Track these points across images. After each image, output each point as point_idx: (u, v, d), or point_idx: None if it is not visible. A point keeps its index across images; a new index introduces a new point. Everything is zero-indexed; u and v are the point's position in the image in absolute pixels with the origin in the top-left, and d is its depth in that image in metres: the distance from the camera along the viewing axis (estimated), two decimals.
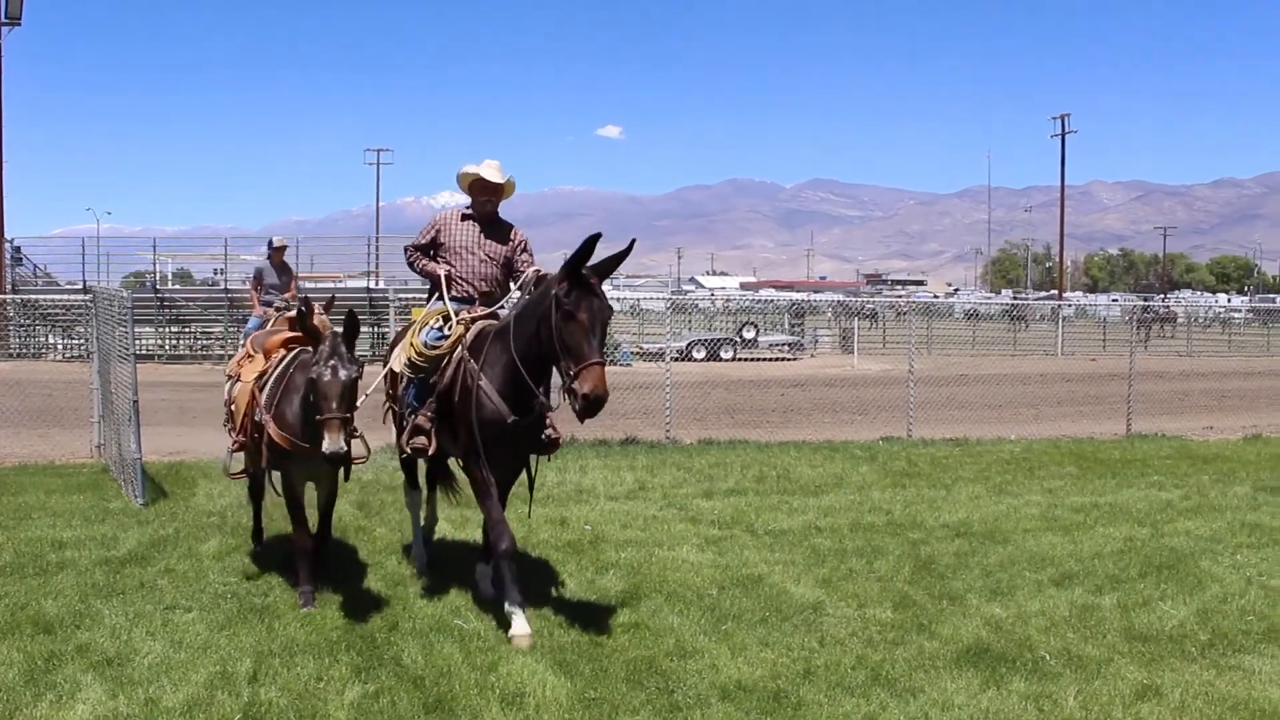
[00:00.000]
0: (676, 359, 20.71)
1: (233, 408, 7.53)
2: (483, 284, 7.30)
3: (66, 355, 30.57)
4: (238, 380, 7.52)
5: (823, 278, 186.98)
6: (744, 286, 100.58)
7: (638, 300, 36.12)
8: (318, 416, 6.16)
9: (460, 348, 6.67)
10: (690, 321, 37.67)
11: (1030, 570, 7.86)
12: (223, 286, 33.94)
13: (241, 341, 9.18)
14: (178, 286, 39.57)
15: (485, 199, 7.38)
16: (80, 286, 29.95)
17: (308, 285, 35.10)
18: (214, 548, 8.03)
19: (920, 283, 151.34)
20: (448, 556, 7.99)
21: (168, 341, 33.45)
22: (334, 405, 6.11)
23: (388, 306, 15.41)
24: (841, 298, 42.72)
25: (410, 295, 21.33)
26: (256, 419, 6.88)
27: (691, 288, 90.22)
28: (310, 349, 6.58)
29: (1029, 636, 6.35)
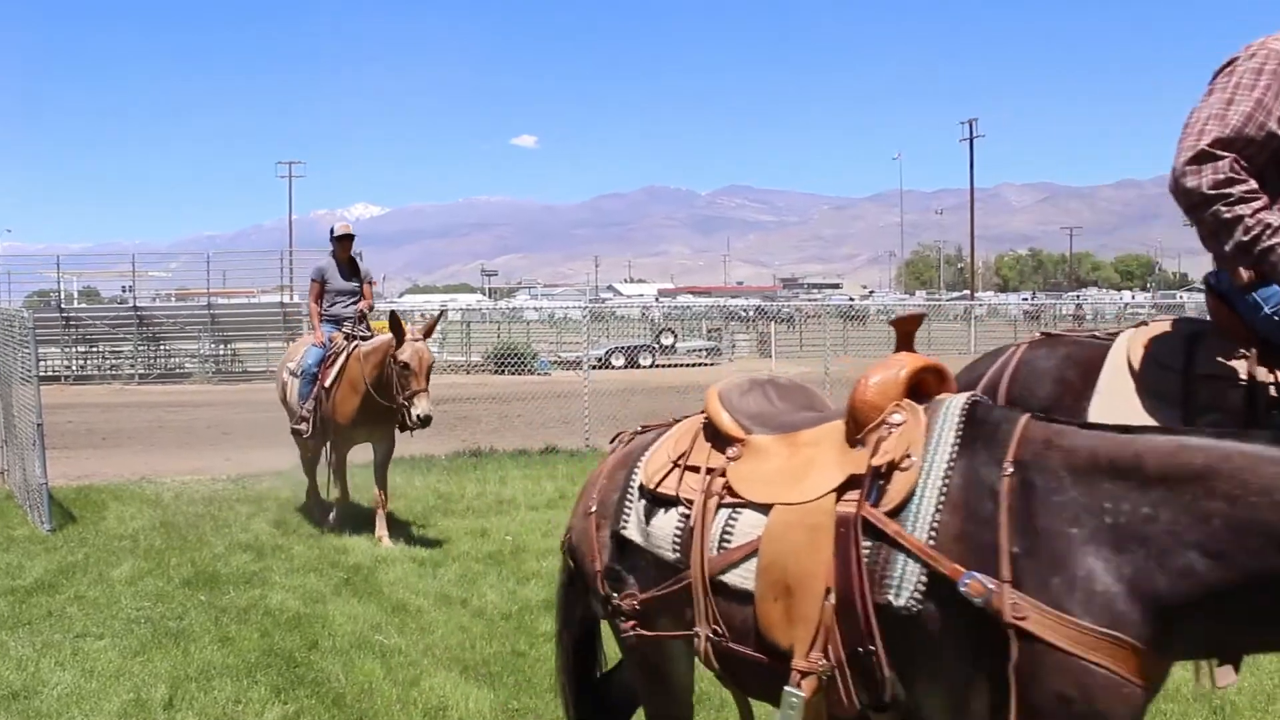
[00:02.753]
0: (595, 367, 20.71)
1: None
2: None
3: None
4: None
5: (740, 283, 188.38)
6: (662, 293, 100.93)
7: (555, 309, 36.08)
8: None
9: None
10: (608, 330, 37.73)
11: None
12: (131, 304, 33.21)
13: (298, 379, 9.62)
14: (84, 305, 38.63)
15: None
16: None
17: (221, 302, 34.62)
18: (126, 572, 7.84)
19: (836, 286, 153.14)
20: (369, 571, 7.90)
21: (75, 362, 32.65)
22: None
23: (301, 322, 14.89)
24: (759, 302, 42.99)
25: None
26: None
27: (609, 295, 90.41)
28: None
29: None
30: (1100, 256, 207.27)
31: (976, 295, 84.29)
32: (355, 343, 9.29)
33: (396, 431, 9.21)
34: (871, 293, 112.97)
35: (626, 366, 29.73)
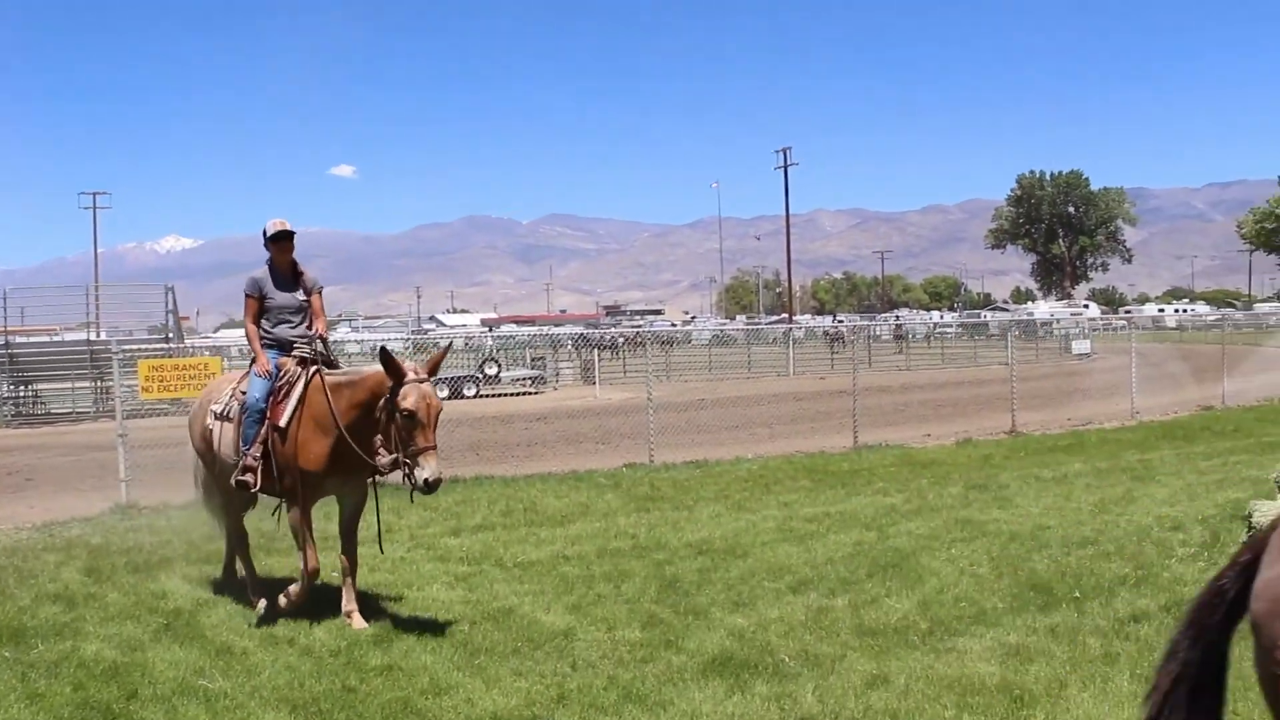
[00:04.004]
0: None
1: None
2: None
3: None
4: None
5: (563, 310, 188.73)
6: (485, 322, 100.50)
7: (377, 342, 35.50)
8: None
9: None
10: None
11: (769, 580, 8.28)
12: None
13: (233, 421, 7.86)
14: None
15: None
16: None
17: (20, 340, 32.87)
18: None
19: (658, 312, 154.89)
20: (190, 615, 7.69)
21: None
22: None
23: (110, 359, 14.23)
24: (582, 330, 43.26)
25: (137, 346, 20.21)
26: None
27: (432, 326, 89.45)
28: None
29: (769, 642, 6.71)
30: (910, 279, 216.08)
31: (794, 318, 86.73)
32: (315, 369, 7.67)
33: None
34: (693, 318, 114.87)
35: (451, 397, 29.48)
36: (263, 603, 7.59)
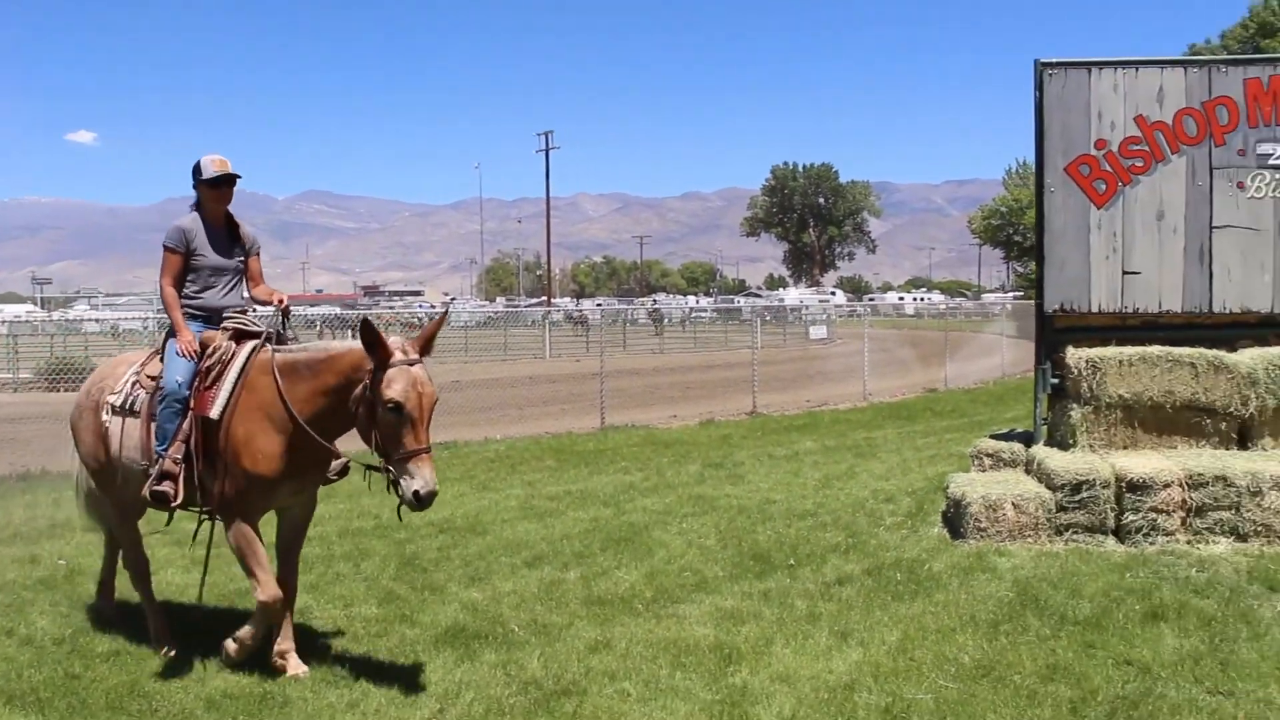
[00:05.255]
0: None
1: None
2: None
3: None
4: None
5: (319, 290, 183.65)
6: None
7: (119, 321, 33.82)
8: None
9: None
10: None
11: (506, 556, 8.57)
12: None
13: (141, 414, 6.29)
14: None
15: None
16: None
17: None
18: None
19: (418, 293, 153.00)
20: None
21: None
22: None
23: None
24: (338, 310, 42.44)
25: None
26: None
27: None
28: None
29: (501, 613, 7.00)
30: (669, 264, 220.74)
31: (554, 301, 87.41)
32: (257, 344, 6.18)
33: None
34: (453, 299, 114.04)
35: None
36: (170, 651, 6.33)
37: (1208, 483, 8.51)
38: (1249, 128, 9.85)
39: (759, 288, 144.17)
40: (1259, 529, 8.44)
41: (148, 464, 6.10)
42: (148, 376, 6.35)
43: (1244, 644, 6.16)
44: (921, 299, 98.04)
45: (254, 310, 6.57)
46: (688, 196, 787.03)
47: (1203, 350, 9.40)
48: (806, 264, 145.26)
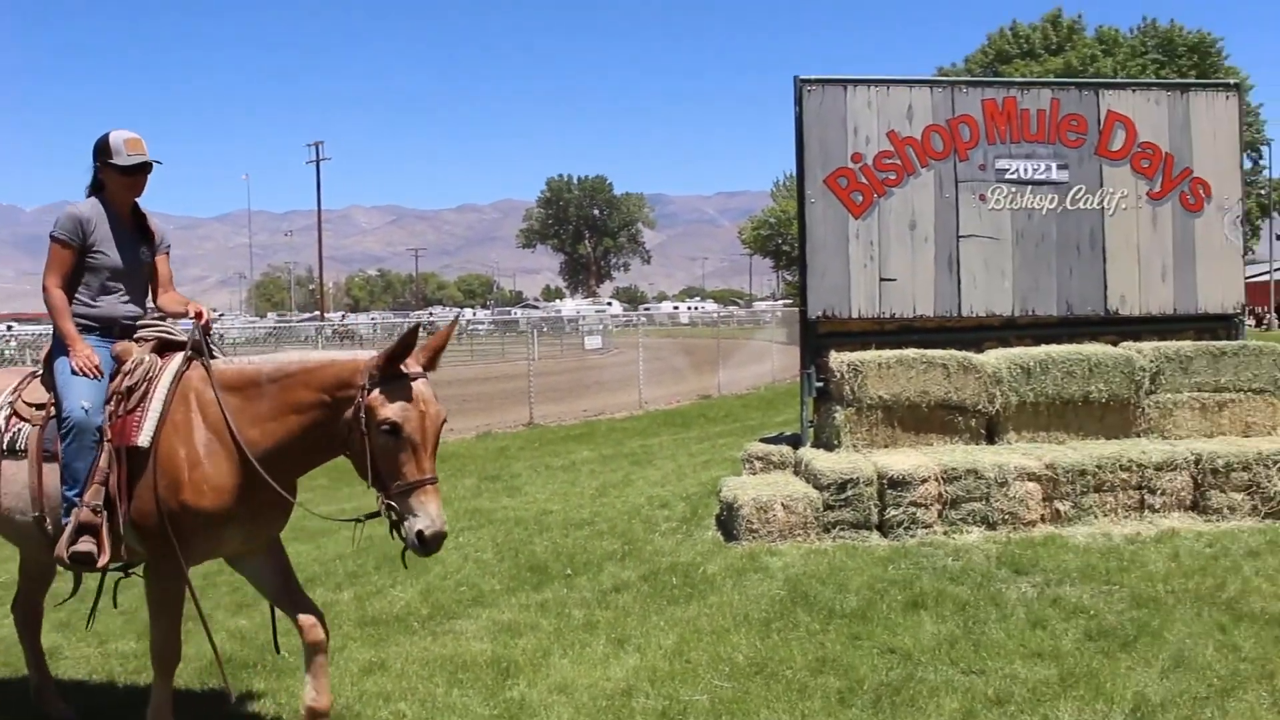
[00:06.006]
0: None
1: None
2: None
3: None
4: None
5: None
6: None
7: None
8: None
9: None
10: None
11: None
12: None
13: (28, 454, 4.92)
14: None
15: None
16: None
17: None
18: None
19: None
20: None
21: None
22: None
23: None
24: None
25: None
26: None
27: None
28: None
29: (268, 640, 6.71)
30: (445, 276, 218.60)
31: (327, 315, 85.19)
32: (182, 357, 4.99)
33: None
34: (222, 315, 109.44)
35: None
36: None
37: (960, 476, 9.01)
38: (988, 144, 10.52)
39: (536, 299, 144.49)
40: (1006, 517, 8.99)
41: (41, 515, 4.85)
42: (27, 404, 5.07)
43: (993, 625, 6.55)
44: (695, 308, 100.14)
45: (196, 327, 5.07)
46: (463, 209, 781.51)
47: (954, 352, 9.96)
48: (583, 275, 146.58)
